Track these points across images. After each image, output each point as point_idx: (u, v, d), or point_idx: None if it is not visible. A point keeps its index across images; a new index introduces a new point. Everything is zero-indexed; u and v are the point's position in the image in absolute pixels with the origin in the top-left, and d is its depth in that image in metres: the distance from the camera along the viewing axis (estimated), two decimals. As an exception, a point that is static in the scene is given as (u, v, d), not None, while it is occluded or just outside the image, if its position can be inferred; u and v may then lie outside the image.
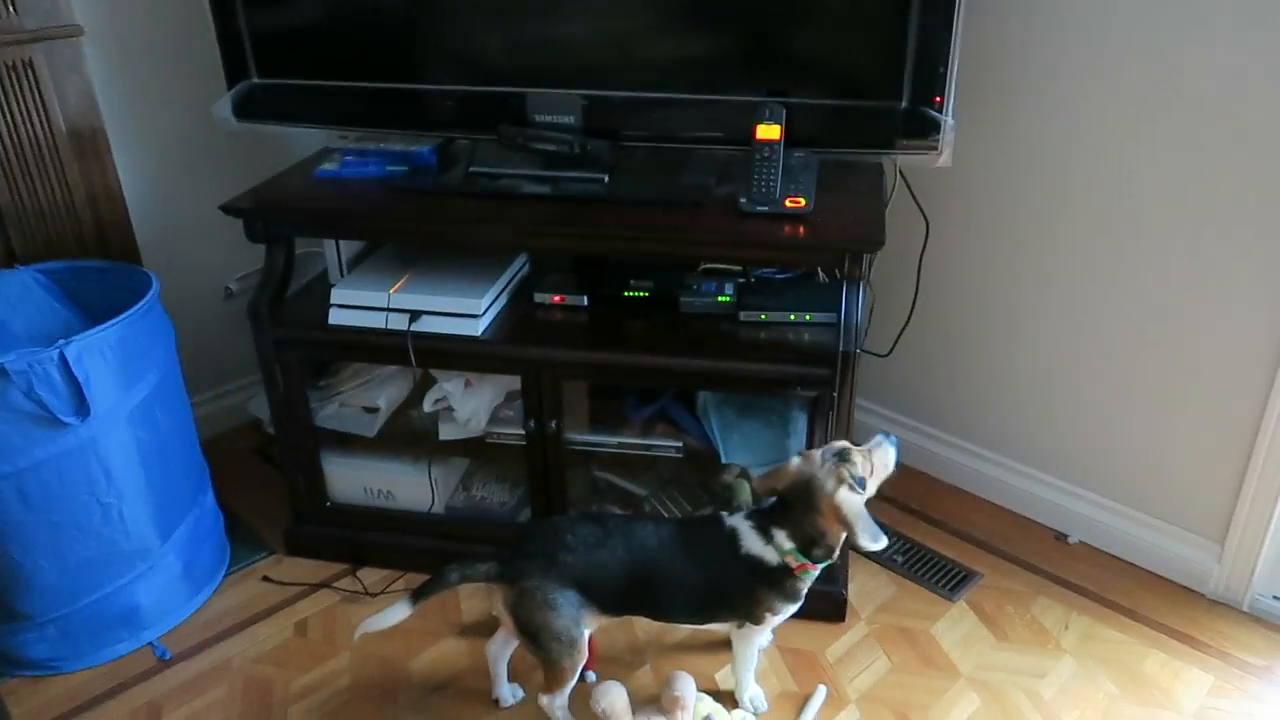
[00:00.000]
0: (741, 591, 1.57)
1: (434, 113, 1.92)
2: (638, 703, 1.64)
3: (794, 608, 1.61)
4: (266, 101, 1.93)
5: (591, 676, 1.77)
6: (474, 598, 1.97)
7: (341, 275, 1.95)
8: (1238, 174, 1.70)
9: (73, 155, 1.97)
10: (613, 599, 1.57)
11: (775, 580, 1.55)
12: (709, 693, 1.70)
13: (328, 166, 1.95)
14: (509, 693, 1.74)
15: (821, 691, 1.73)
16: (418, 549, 2.03)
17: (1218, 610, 1.92)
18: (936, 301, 2.17)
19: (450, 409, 1.94)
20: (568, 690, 1.60)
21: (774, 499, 1.57)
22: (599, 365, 1.80)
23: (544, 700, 1.61)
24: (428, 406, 1.96)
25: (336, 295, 1.85)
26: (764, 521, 1.56)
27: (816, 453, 1.53)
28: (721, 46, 1.78)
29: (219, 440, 2.45)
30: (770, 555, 1.54)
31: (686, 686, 1.59)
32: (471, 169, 1.89)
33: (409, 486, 2.01)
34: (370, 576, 2.03)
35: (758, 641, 1.69)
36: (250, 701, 1.75)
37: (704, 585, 1.58)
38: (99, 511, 1.72)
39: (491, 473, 2.12)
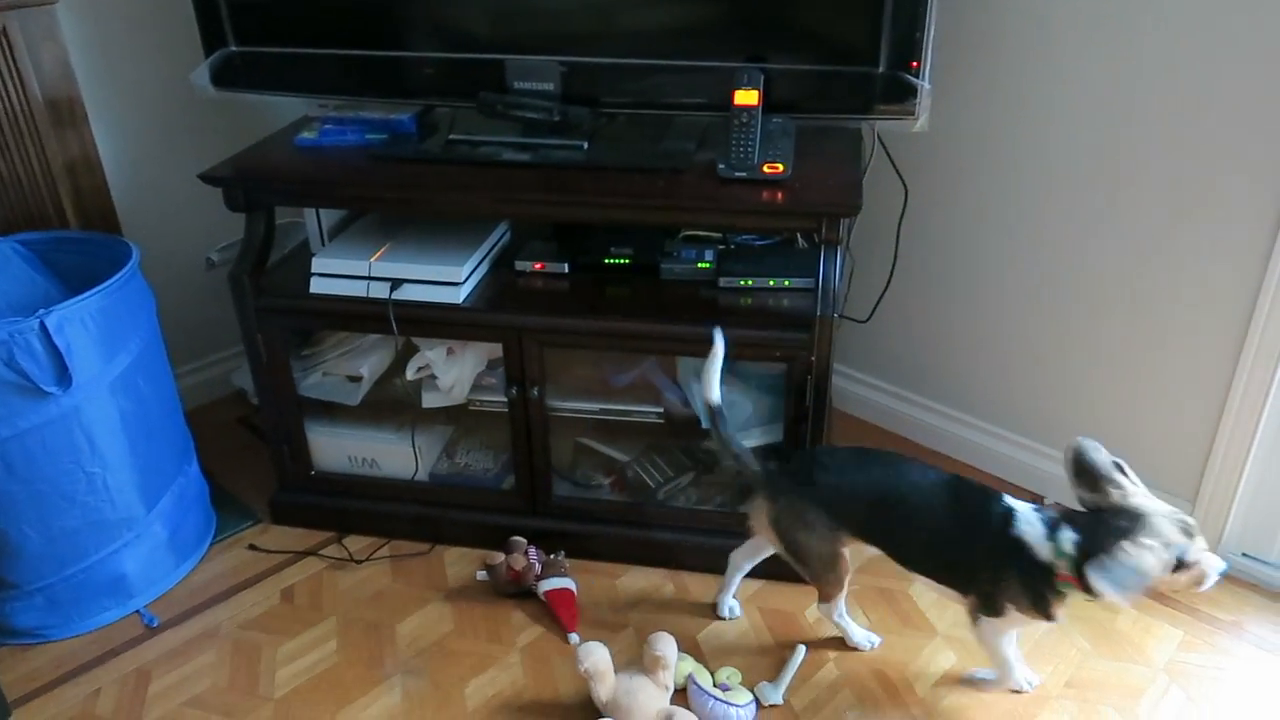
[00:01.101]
0: (991, 568, 1.51)
1: (413, 80, 1.92)
2: (620, 663, 1.67)
3: (1035, 622, 1.52)
4: (244, 70, 1.92)
5: (575, 638, 1.80)
6: (459, 563, 2.00)
7: (323, 244, 1.95)
8: (1211, 140, 1.72)
9: (50, 125, 1.96)
10: (858, 524, 1.61)
11: (1032, 577, 1.47)
12: (690, 653, 1.74)
13: (307, 135, 1.95)
14: (731, 609, 1.85)
15: (801, 650, 1.76)
16: (402, 516, 2.05)
17: (1189, 568, 1.96)
18: (915, 267, 2.19)
19: (433, 377, 1.96)
20: (839, 599, 1.71)
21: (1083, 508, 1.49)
22: (580, 332, 1.81)
23: (821, 609, 1.73)
24: (410, 375, 1.97)
25: (317, 264, 1.85)
26: (1056, 518, 1.48)
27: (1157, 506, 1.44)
28: (700, 12, 1.78)
29: (204, 411, 2.45)
30: (1044, 549, 1.45)
31: (668, 646, 1.62)
32: (451, 137, 1.89)
33: (393, 454, 2.03)
34: (355, 544, 2.05)
35: (998, 640, 1.61)
36: (238, 666, 1.77)
37: (953, 543, 1.54)
38: (84, 480, 1.73)
39: (475, 440, 2.13)
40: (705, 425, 1.71)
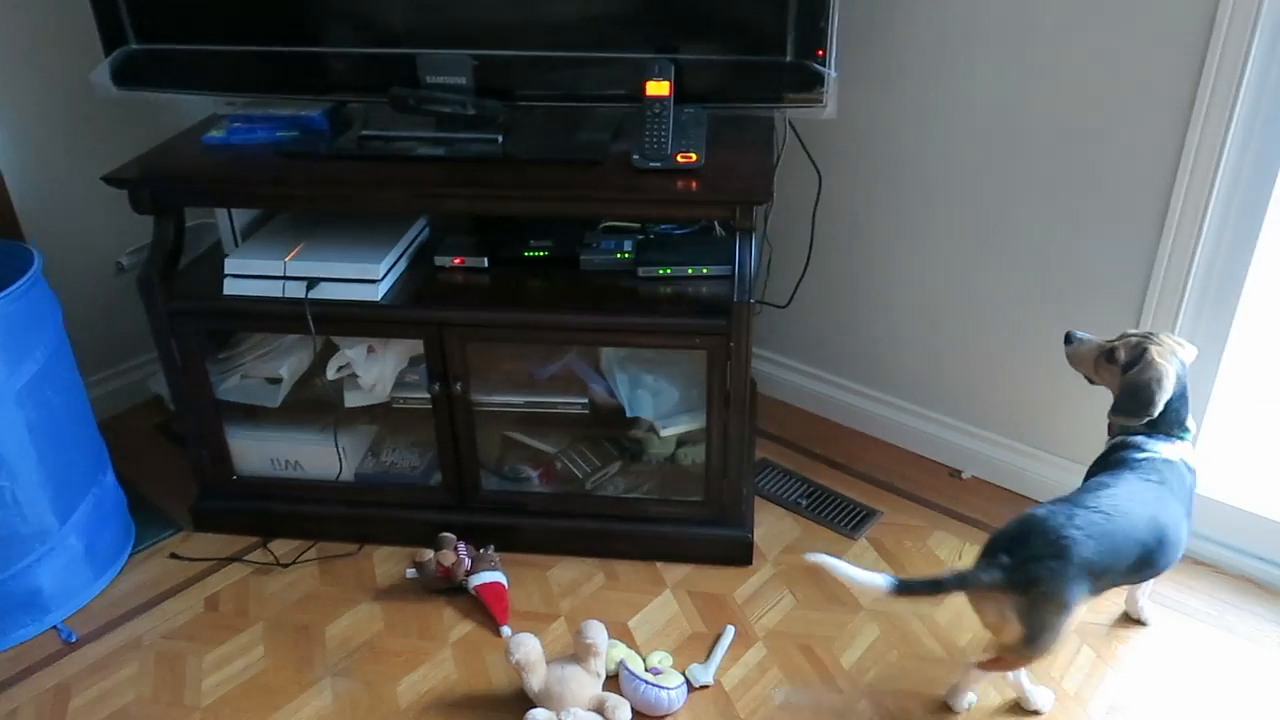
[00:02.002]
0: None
1: (323, 76, 1.89)
2: (553, 653, 1.69)
3: None
4: (147, 67, 1.87)
5: (506, 631, 1.80)
6: (388, 561, 1.99)
7: (235, 245, 1.92)
8: (1105, 119, 1.78)
9: (-59, 129, 1.90)
10: (1125, 571, 1.50)
11: None
12: (620, 640, 1.76)
13: (215, 133, 1.91)
14: (970, 701, 1.65)
15: (730, 631, 1.79)
16: (329, 517, 2.03)
17: (1098, 534, 2.04)
18: (832, 251, 2.24)
19: (354, 376, 1.94)
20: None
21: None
22: (502, 325, 1.81)
23: (1015, 675, 1.59)
24: (331, 374, 1.95)
25: (230, 265, 1.82)
26: None
27: None
28: (610, 4, 1.78)
29: (120, 419, 2.40)
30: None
31: (598, 633, 1.64)
32: (364, 133, 1.87)
33: (317, 456, 2.01)
34: (281, 548, 2.02)
35: None
36: (162, 677, 1.74)
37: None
38: (-9, 495, 1.68)
39: (400, 437, 2.12)
40: (888, 588, 1.48)
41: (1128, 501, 1.49)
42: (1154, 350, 1.56)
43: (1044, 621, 1.43)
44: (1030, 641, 1.45)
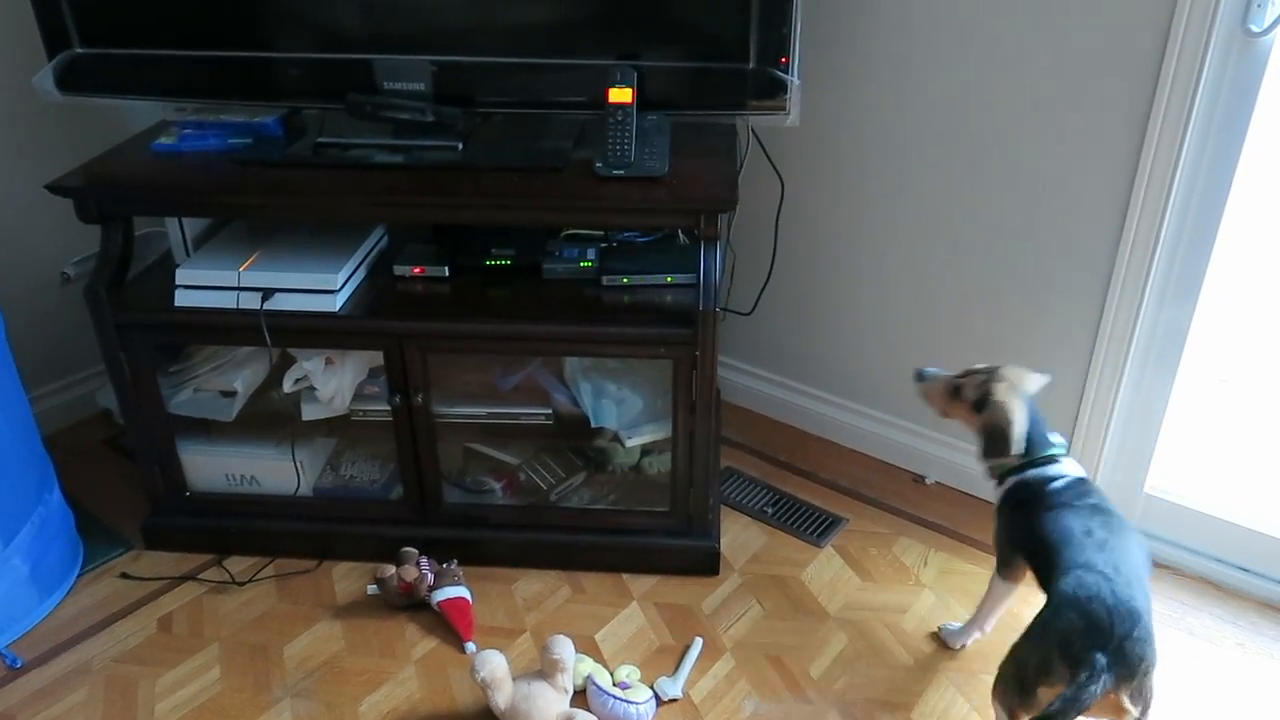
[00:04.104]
0: None
1: (277, 82, 1.84)
2: (519, 669, 1.66)
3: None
4: (92, 72, 1.81)
5: (471, 647, 1.77)
6: (348, 578, 1.94)
7: (187, 254, 1.87)
8: (1071, 131, 1.80)
9: (-126, 135, 1.82)
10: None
11: None
12: (587, 654, 1.73)
13: (165, 140, 1.85)
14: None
15: (698, 643, 1.78)
16: (287, 533, 1.98)
17: (1060, 537, 2.06)
18: (795, 259, 2.23)
19: (312, 388, 1.89)
20: None
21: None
22: (463, 336, 1.78)
23: None
24: (288, 387, 1.90)
25: (182, 275, 1.77)
26: None
27: None
28: (571, 10, 1.76)
29: (66, 434, 2.32)
30: None
31: (565, 648, 1.61)
32: (320, 140, 1.83)
33: (273, 470, 1.96)
34: (237, 565, 1.97)
35: None
36: (113, 702, 1.68)
37: None
38: (-71, 517, 1.61)
39: (360, 450, 2.08)
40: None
41: (1114, 534, 1.47)
42: (998, 389, 1.58)
43: (1152, 687, 1.35)
44: (1146, 712, 1.37)
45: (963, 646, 1.77)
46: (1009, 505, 1.60)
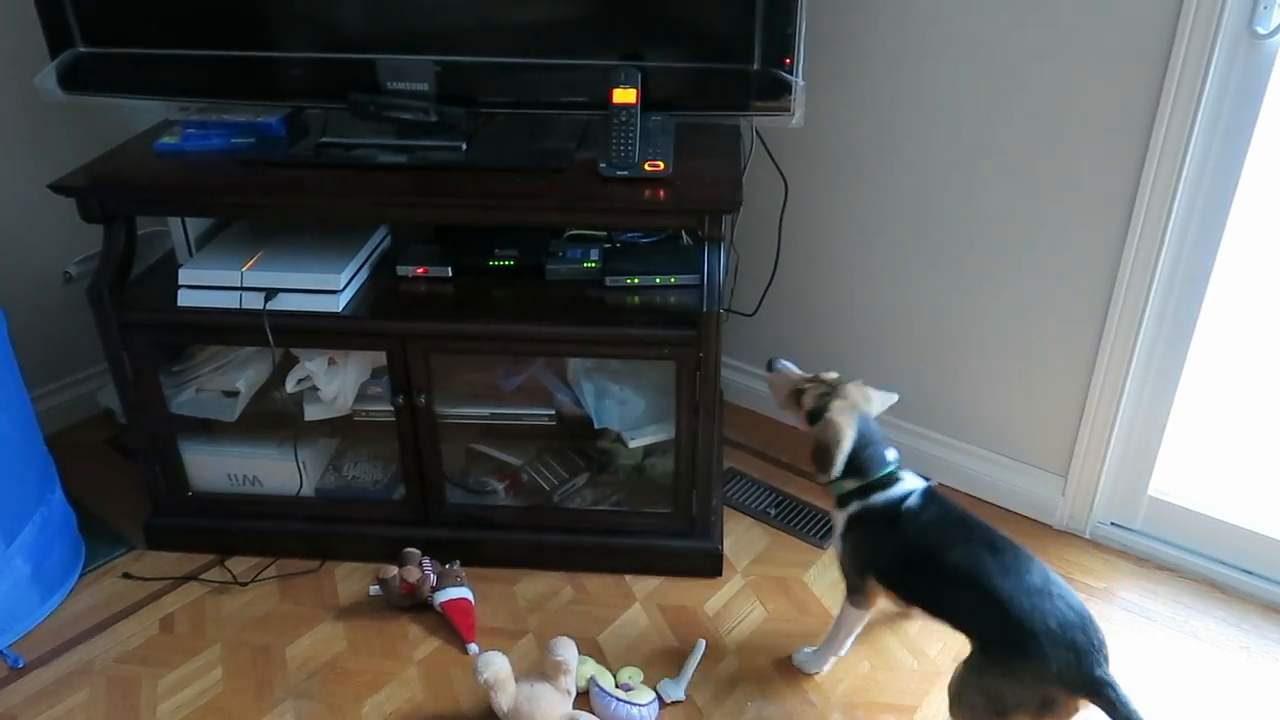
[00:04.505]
0: None
1: (280, 81, 1.84)
2: (521, 670, 1.65)
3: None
4: (95, 72, 1.81)
5: (473, 648, 1.77)
6: (350, 578, 1.94)
7: (190, 254, 1.87)
8: (1068, 126, 1.80)
9: (-123, 134, 1.82)
10: None
11: None
12: (590, 655, 1.73)
13: (168, 140, 1.85)
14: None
15: (701, 645, 1.77)
16: (289, 534, 1.97)
17: (1064, 539, 2.06)
18: (798, 260, 2.23)
19: (314, 388, 1.89)
20: None
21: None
22: (466, 336, 1.78)
23: None
24: (290, 387, 1.90)
25: (185, 275, 1.77)
26: None
27: None
28: (575, 10, 1.76)
29: (68, 433, 2.32)
30: None
31: (568, 650, 1.61)
32: (323, 140, 1.83)
33: (276, 470, 1.95)
34: (239, 566, 1.97)
35: None
36: (114, 703, 1.68)
37: None
38: (-69, 517, 1.61)
39: (362, 451, 2.07)
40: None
41: (997, 539, 1.47)
42: (834, 406, 1.55)
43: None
44: None
45: (819, 672, 1.73)
46: (857, 532, 1.58)
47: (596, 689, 1.64)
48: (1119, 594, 1.92)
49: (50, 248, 2.22)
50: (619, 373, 1.94)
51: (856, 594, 1.63)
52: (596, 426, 1.89)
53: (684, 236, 1.99)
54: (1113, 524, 2.04)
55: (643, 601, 1.88)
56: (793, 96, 1.71)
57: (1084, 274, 1.88)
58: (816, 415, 1.57)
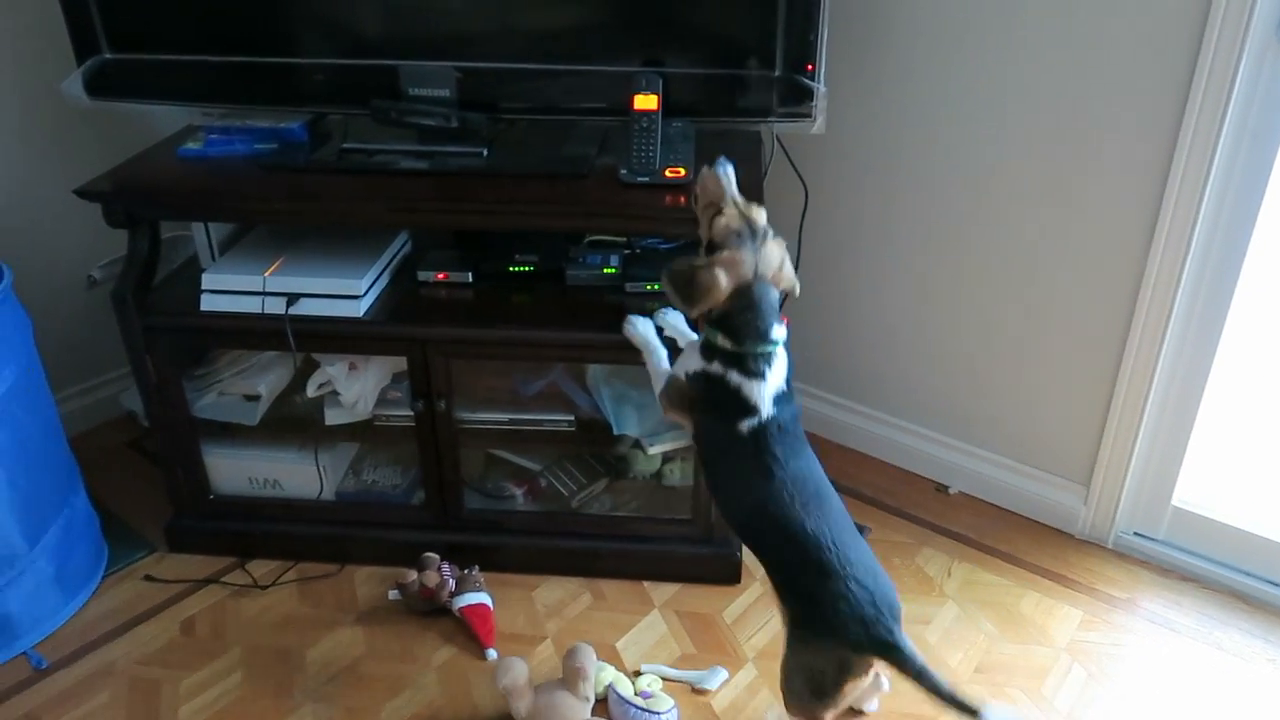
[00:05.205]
0: None
1: (302, 87, 1.86)
2: (539, 676, 1.65)
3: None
4: (120, 77, 1.83)
5: (492, 654, 1.77)
6: (369, 583, 1.94)
7: (213, 259, 1.88)
8: (1091, 132, 1.78)
9: (-94, 139, 1.84)
10: None
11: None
12: (610, 663, 1.73)
13: (191, 145, 1.86)
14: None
15: (722, 674, 1.73)
16: (309, 537, 1.98)
17: (1086, 549, 2.04)
18: (818, 266, 2.22)
19: (335, 393, 1.90)
20: None
21: None
22: (486, 342, 1.78)
23: None
24: (311, 391, 1.91)
25: (208, 280, 1.78)
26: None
27: None
28: (597, 16, 1.77)
29: (91, 436, 2.34)
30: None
31: (587, 657, 1.61)
32: (345, 145, 1.84)
33: (296, 474, 1.96)
34: (259, 569, 1.97)
35: None
36: (136, 705, 1.69)
37: None
38: (-43, 518, 1.63)
39: (382, 455, 2.08)
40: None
41: (804, 469, 1.44)
42: (735, 259, 1.32)
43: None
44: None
45: None
46: (698, 389, 1.41)
47: (615, 696, 1.64)
48: (1142, 605, 1.90)
49: (75, 252, 2.24)
50: (638, 379, 1.94)
51: (665, 400, 1.51)
52: (615, 433, 1.89)
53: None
54: (1136, 534, 2.02)
55: (661, 608, 1.88)
56: (814, 103, 1.70)
57: (1108, 281, 1.86)
58: (713, 249, 1.35)
